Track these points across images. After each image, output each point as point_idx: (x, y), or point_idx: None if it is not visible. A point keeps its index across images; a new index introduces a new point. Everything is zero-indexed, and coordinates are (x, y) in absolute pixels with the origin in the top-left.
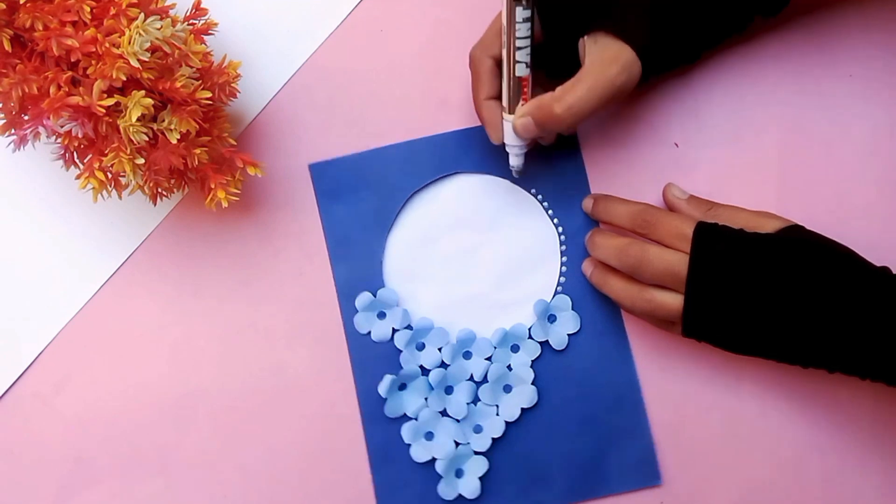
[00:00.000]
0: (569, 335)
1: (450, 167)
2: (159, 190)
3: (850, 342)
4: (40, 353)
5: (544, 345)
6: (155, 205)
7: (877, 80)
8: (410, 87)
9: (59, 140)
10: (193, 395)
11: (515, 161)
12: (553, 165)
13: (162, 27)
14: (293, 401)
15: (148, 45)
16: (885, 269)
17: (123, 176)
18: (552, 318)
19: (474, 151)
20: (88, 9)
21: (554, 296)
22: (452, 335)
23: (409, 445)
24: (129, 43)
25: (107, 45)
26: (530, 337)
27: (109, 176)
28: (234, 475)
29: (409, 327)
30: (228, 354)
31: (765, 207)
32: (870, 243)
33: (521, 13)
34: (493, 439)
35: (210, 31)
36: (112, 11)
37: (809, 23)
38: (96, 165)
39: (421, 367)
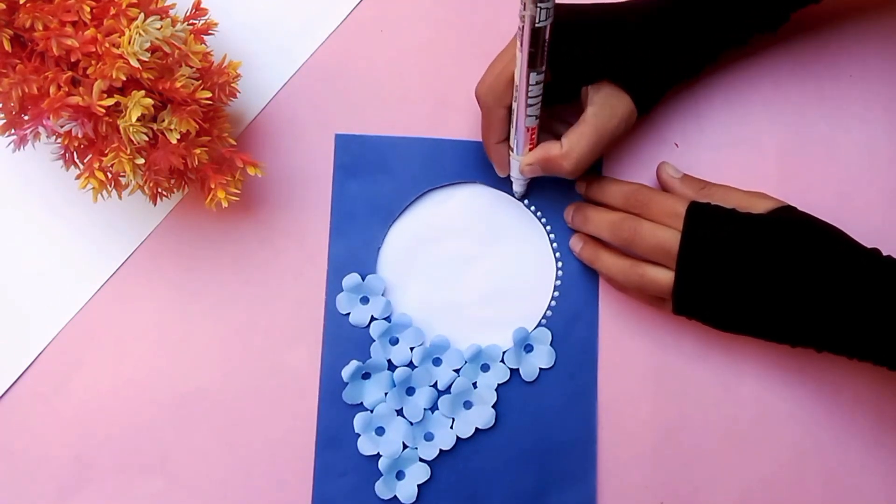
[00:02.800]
0: (541, 369)
1: (472, 175)
2: (159, 190)
3: (838, 321)
4: (40, 353)
5: (514, 372)
6: (155, 205)
7: (877, 80)
8: (410, 88)
9: (59, 140)
10: (193, 395)
11: (519, 189)
12: (571, 198)
13: (162, 27)
14: (293, 401)
15: (148, 45)
16: (875, 251)
17: (123, 176)
18: (528, 348)
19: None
20: (88, 9)
21: (536, 327)
22: (428, 338)
23: (358, 435)
24: (129, 43)
25: (107, 45)
26: (502, 361)
27: (109, 176)
28: (234, 475)
29: (387, 319)
30: (228, 354)
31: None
32: (869, 243)
33: (534, 77)
34: (442, 451)
35: (210, 31)
36: (112, 11)
37: (810, 24)
38: (96, 165)
39: (389, 361)
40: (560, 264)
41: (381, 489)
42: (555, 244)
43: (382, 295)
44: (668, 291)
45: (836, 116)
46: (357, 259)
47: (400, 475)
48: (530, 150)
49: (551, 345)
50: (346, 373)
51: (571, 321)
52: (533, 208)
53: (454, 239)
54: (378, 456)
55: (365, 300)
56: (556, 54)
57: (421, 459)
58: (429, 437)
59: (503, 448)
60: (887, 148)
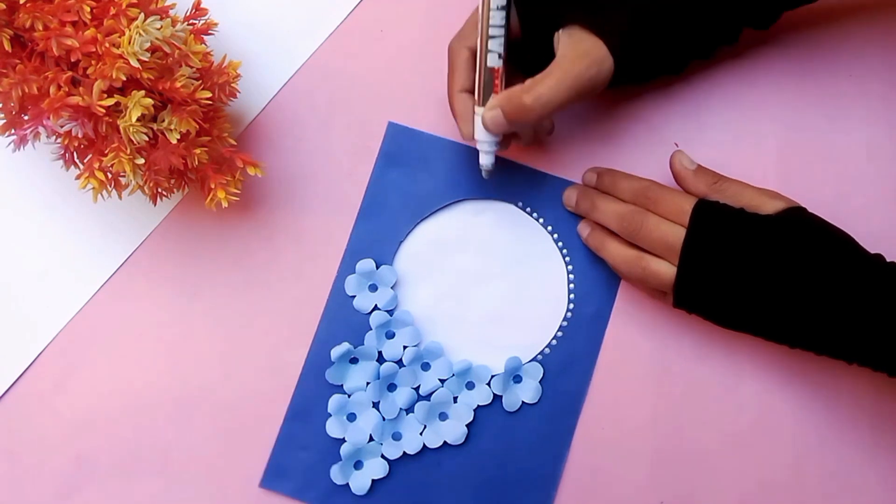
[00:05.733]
0: (523, 402)
1: (512, 195)
2: (159, 190)
3: (837, 325)
4: (41, 353)
5: (497, 398)
6: (155, 205)
7: (877, 79)
8: (410, 88)
9: (59, 140)
10: (193, 395)
11: (485, 159)
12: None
13: (162, 27)
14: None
15: (148, 45)
16: (879, 257)
17: (123, 176)
18: (517, 379)
19: (545, 200)
20: (88, 9)
21: (530, 360)
22: (423, 341)
23: (329, 415)
24: (129, 43)
25: (107, 45)
26: (489, 384)
27: (109, 176)
28: (235, 475)
29: (390, 312)
30: (228, 354)
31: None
32: (869, 243)
33: (495, 0)
34: (406, 453)
35: (210, 31)
36: (112, 11)
37: (809, 23)
38: (96, 165)
39: (380, 353)
40: (572, 306)
41: (336, 474)
42: (572, 285)
43: (391, 288)
44: (670, 285)
45: (835, 115)
46: (376, 246)
47: (358, 465)
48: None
49: (540, 382)
50: (335, 352)
51: (567, 365)
52: (560, 245)
53: (476, 252)
54: (342, 441)
55: (373, 288)
56: (523, 4)
57: (382, 456)
58: (396, 437)
59: (465, 467)
60: (887, 147)
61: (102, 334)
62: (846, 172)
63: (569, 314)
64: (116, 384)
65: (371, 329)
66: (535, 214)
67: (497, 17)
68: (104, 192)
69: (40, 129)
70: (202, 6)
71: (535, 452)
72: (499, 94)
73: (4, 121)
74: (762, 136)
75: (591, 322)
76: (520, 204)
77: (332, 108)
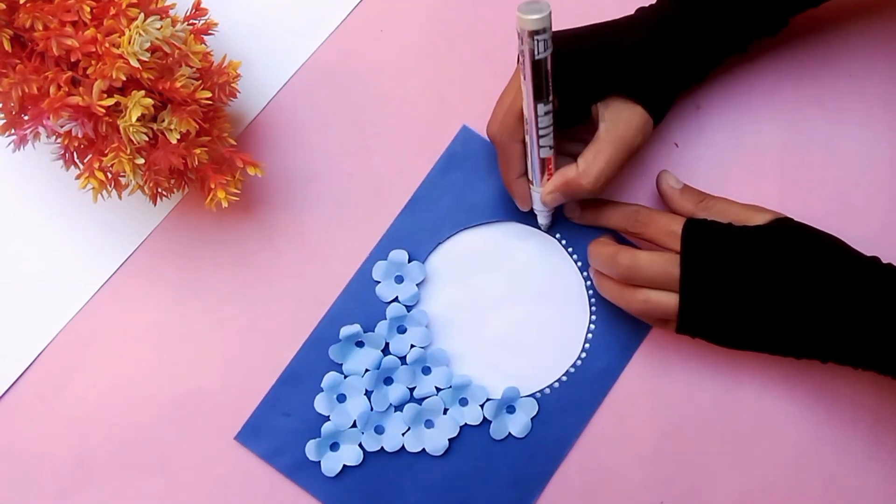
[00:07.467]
0: (511, 434)
1: (557, 232)
2: (159, 190)
3: (841, 332)
4: (41, 353)
5: (486, 422)
6: (155, 205)
7: (877, 80)
8: (410, 87)
9: (59, 140)
10: (193, 395)
11: (544, 220)
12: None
13: (162, 27)
14: None
15: (148, 45)
16: (875, 259)
17: (123, 176)
18: (510, 409)
19: (584, 243)
20: (88, 9)
21: (529, 395)
22: (432, 346)
23: (320, 390)
24: (129, 43)
25: (107, 45)
26: (482, 405)
27: (109, 176)
28: (235, 475)
29: (408, 308)
30: (228, 354)
31: (765, 207)
32: (870, 243)
33: (542, 108)
34: (383, 448)
35: (210, 31)
36: (112, 11)
37: (809, 24)
38: (96, 165)
39: (387, 344)
40: (584, 355)
41: (311, 449)
42: (590, 335)
43: (416, 285)
44: (674, 313)
45: (835, 116)
46: (414, 241)
47: (334, 447)
48: (549, 179)
49: (532, 419)
50: (344, 331)
51: (562, 411)
52: (591, 293)
53: (507, 275)
54: (326, 419)
55: (399, 279)
56: (558, 80)
57: (360, 445)
58: (379, 430)
59: (436, 479)
60: (887, 147)
61: (102, 334)
62: (846, 173)
63: (578, 362)
64: (116, 384)
65: (385, 319)
66: (574, 256)
67: (545, 120)
68: (104, 192)
69: (40, 129)
70: (202, 6)
71: (509, 485)
72: (554, 176)
73: (4, 121)
74: (762, 137)
75: (599, 377)
76: (563, 242)
77: (332, 108)
